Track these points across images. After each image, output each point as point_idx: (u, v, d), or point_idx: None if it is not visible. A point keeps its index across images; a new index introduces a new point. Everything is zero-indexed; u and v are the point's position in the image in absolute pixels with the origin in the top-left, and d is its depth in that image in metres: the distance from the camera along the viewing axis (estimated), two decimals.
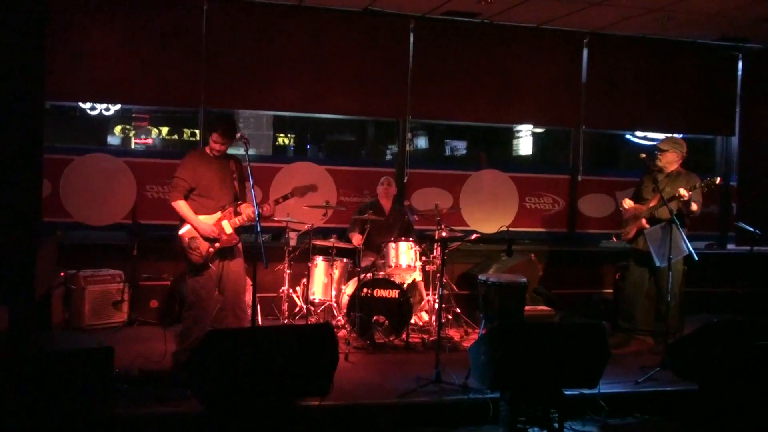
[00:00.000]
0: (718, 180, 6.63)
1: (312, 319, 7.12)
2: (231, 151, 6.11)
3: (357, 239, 7.28)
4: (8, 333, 4.77)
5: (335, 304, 7.22)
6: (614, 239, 7.45)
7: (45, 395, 3.94)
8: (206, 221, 5.77)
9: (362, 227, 7.32)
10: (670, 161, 6.98)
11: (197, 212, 5.77)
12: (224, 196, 5.88)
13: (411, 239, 7.24)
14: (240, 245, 5.98)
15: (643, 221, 6.88)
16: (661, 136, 8.63)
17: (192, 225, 5.74)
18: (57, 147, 8.28)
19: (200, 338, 5.69)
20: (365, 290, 6.83)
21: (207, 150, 5.94)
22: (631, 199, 7.16)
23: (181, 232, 5.78)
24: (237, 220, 5.84)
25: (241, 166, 6.04)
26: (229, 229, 5.81)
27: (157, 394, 5.11)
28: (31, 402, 3.91)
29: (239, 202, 5.91)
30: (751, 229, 7.82)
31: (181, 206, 5.76)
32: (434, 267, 7.38)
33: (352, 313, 6.81)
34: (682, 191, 6.53)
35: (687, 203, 6.60)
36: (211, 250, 5.76)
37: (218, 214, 5.82)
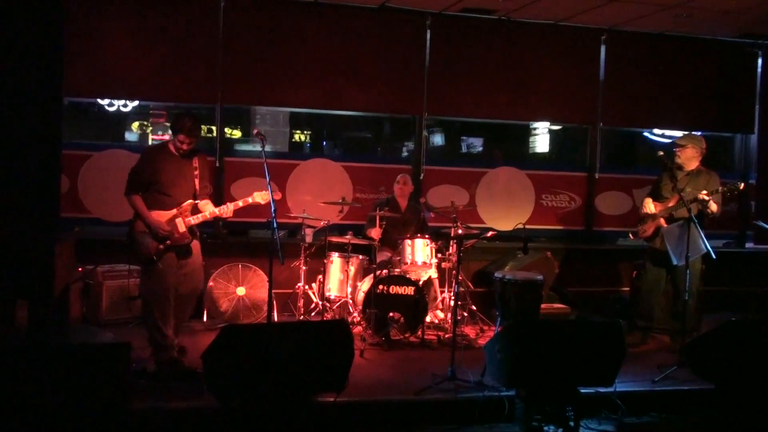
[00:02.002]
0: (741, 185, 6.55)
1: (327, 316, 7.13)
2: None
3: (376, 233, 7.28)
4: (27, 328, 4.81)
5: (351, 301, 7.23)
6: (631, 237, 7.38)
7: (63, 389, 3.98)
8: (159, 217, 5.70)
9: (379, 223, 7.32)
10: (689, 157, 6.91)
11: (152, 208, 5.70)
12: (182, 194, 5.78)
13: (427, 236, 7.23)
14: (198, 243, 5.93)
15: (662, 220, 6.84)
16: (679, 133, 8.57)
17: (144, 221, 5.66)
18: (75, 143, 8.33)
19: (164, 332, 5.68)
20: (381, 287, 6.83)
21: (171, 146, 5.83)
22: (650, 197, 7.11)
23: (133, 225, 5.73)
24: (192, 219, 5.78)
25: (206, 162, 5.99)
26: (182, 228, 5.72)
27: (173, 390, 5.15)
28: (49, 396, 3.94)
29: (198, 201, 5.84)
30: None
31: (135, 201, 5.70)
32: (450, 264, 7.37)
33: (367, 310, 6.81)
34: (703, 195, 6.47)
35: (705, 204, 6.54)
36: (161, 246, 5.66)
37: (173, 212, 5.73)
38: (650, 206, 7.00)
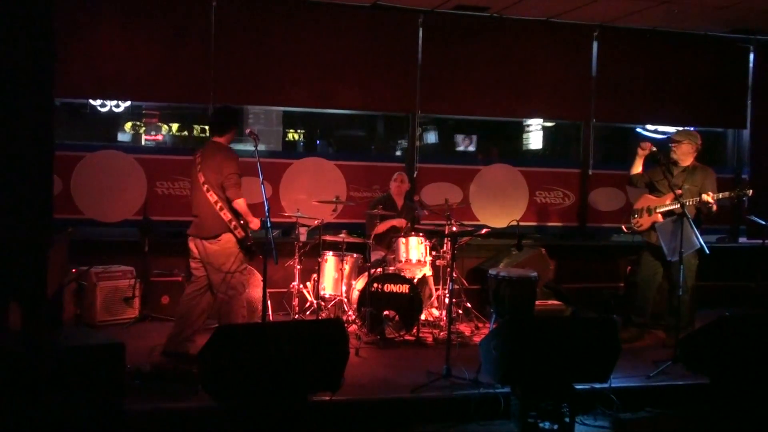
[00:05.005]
0: (750, 192, 6.60)
1: (322, 315, 7.12)
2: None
3: (399, 222, 7.46)
4: (21, 329, 4.80)
5: (346, 300, 7.23)
6: (624, 229, 7.35)
7: (57, 391, 3.96)
8: None
9: (381, 221, 7.35)
10: (685, 153, 6.92)
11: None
12: None
13: (421, 234, 7.23)
14: None
15: (659, 215, 6.84)
16: (671, 129, 8.60)
17: (248, 219, 5.92)
18: (68, 144, 8.31)
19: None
20: (375, 285, 6.83)
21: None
22: (642, 176, 7.12)
23: (237, 221, 5.90)
24: None
25: None
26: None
27: (168, 390, 5.14)
28: (43, 398, 3.93)
29: None
30: (763, 222, 7.78)
31: (243, 203, 5.90)
32: (444, 262, 7.37)
33: (362, 308, 6.81)
34: (708, 198, 6.50)
35: (707, 206, 6.58)
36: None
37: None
38: (638, 168, 7.03)
